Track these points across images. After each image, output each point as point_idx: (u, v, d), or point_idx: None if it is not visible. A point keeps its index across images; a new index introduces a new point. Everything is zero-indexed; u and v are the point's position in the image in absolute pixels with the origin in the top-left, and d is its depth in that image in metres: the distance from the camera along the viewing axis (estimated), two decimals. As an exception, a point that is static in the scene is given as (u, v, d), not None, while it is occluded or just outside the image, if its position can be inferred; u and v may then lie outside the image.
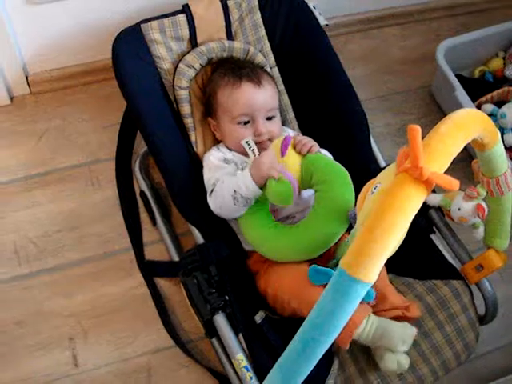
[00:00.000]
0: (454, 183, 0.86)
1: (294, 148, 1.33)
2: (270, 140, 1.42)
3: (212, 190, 1.35)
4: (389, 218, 0.82)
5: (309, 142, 1.34)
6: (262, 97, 1.42)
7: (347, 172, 1.31)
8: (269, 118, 1.43)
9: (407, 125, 0.84)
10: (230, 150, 1.45)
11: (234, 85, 1.42)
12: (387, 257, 0.84)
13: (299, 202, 1.37)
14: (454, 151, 0.89)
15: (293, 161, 1.30)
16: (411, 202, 0.84)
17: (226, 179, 1.33)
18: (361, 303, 1.23)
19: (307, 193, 1.37)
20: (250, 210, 1.33)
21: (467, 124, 0.94)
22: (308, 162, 1.31)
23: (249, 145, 1.36)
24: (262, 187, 1.29)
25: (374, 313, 1.29)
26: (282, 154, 1.31)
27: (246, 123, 1.41)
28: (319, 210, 1.28)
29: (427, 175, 0.83)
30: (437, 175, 0.85)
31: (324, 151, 1.42)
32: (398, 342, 1.21)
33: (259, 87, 1.42)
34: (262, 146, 1.40)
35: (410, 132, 0.84)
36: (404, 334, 1.21)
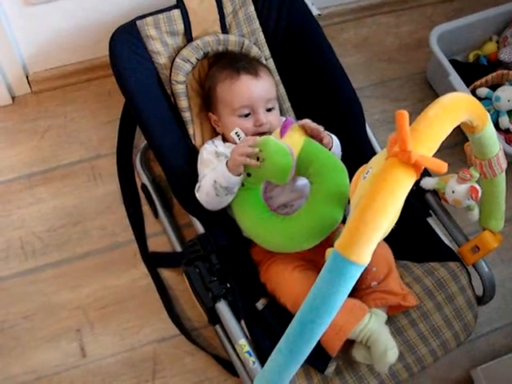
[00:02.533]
0: (441, 165, 0.89)
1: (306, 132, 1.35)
2: (270, 132, 1.43)
3: (199, 186, 1.37)
4: (379, 201, 0.85)
5: (318, 128, 1.35)
6: (261, 87, 1.44)
7: (345, 168, 1.31)
8: (268, 110, 1.45)
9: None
10: (225, 142, 1.47)
11: (232, 78, 1.44)
12: (379, 239, 0.86)
13: (294, 189, 1.39)
14: (441, 135, 0.91)
15: (290, 143, 1.31)
16: (401, 185, 0.86)
17: (209, 174, 1.36)
18: (354, 307, 1.26)
19: (302, 181, 1.39)
20: (243, 200, 1.34)
21: (455, 108, 0.96)
22: (309, 150, 1.32)
23: (238, 135, 1.38)
24: (250, 172, 1.30)
25: (374, 293, 1.32)
26: (282, 134, 1.33)
27: (246, 115, 1.43)
28: (314, 202, 1.28)
29: (415, 159, 0.86)
30: (425, 158, 0.87)
31: (334, 137, 1.44)
32: (380, 358, 1.23)
33: (257, 78, 1.44)
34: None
35: (397, 117, 0.87)
36: (388, 354, 1.22)
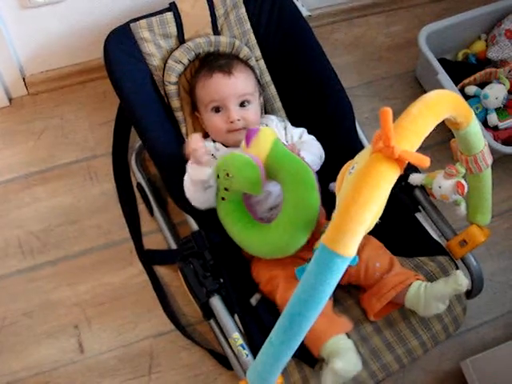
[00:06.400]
0: (424, 160, 0.91)
1: None
2: (246, 128, 1.42)
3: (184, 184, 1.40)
4: (363, 195, 0.88)
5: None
6: (232, 84, 1.45)
7: (312, 172, 1.28)
8: (243, 105, 1.46)
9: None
10: (215, 141, 1.49)
11: (206, 77, 1.47)
12: (364, 231, 0.89)
13: (278, 195, 1.39)
14: (425, 131, 0.94)
15: (256, 153, 1.29)
16: (384, 179, 0.89)
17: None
18: (339, 318, 1.27)
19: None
20: (227, 213, 1.35)
21: (437, 104, 0.99)
22: (275, 155, 1.29)
23: (213, 155, 1.43)
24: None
25: (389, 282, 1.32)
26: (247, 145, 1.31)
27: (217, 111, 1.45)
28: (287, 210, 1.27)
29: (398, 153, 0.88)
30: (408, 153, 0.90)
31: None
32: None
33: (229, 76, 1.45)
34: (237, 133, 1.44)
35: (381, 114, 0.89)
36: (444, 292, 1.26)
